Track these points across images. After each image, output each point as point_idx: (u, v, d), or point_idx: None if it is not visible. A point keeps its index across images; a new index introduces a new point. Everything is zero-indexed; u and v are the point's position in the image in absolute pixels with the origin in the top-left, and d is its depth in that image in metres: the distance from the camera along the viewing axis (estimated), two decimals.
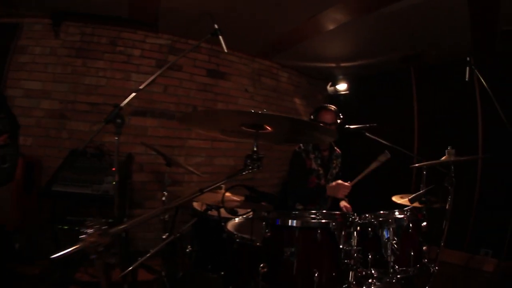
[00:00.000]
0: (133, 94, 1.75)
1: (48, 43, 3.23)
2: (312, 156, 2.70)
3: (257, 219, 1.70)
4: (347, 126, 2.61)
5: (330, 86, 4.73)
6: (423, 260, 1.91)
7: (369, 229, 1.84)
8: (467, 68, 2.51)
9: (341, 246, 1.54)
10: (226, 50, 1.96)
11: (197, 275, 2.40)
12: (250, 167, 1.32)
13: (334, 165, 2.79)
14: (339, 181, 2.43)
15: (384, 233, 1.82)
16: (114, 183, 2.55)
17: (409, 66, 4.42)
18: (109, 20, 3.29)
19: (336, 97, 5.00)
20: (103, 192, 2.52)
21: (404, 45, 3.80)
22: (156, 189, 3.57)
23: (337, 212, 1.63)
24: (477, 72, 2.52)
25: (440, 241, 2.29)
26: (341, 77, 4.72)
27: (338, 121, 2.63)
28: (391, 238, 1.79)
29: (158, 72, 1.85)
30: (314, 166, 2.69)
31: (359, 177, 2.36)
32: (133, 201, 3.46)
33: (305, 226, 1.54)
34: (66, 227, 2.55)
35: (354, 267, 1.54)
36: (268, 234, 1.56)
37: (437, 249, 2.27)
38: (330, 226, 1.52)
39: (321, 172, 2.70)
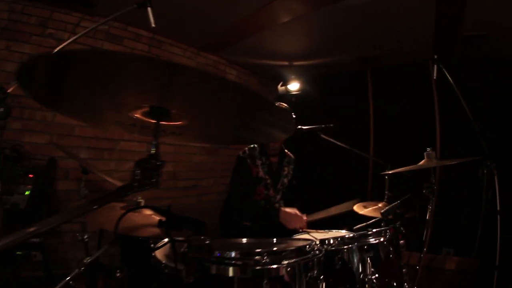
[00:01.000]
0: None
1: None
2: (258, 162, 2.58)
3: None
4: (300, 126, 2.44)
5: (281, 85, 4.78)
6: (404, 285, 1.70)
7: (336, 257, 1.55)
8: (435, 66, 2.57)
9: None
10: (153, 25, 1.91)
11: None
12: (139, 183, 0.89)
13: (285, 172, 2.69)
14: (297, 211, 2.31)
15: (358, 264, 1.54)
16: (27, 193, 2.33)
17: (366, 68, 4.66)
18: None
19: (288, 98, 5.08)
20: (11, 205, 2.25)
21: (362, 45, 3.96)
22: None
23: (293, 247, 1.33)
24: (445, 71, 2.60)
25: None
26: (293, 77, 4.80)
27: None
28: (368, 271, 1.53)
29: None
30: (261, 174, 2.57)
31: (320, 215, 2.33)
32: (56, 213, 3.19)
33: (245, 277, 1.22)
34: None
35: None
36: (191, 280, 1.21)
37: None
38: (284, 272, 1.23)
39: (269, 181, 2.59)
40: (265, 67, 4.82)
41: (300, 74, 4.81)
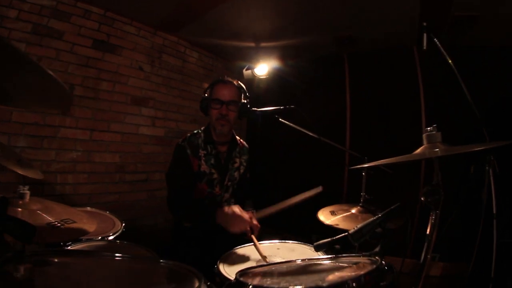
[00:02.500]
0: None
1: None
2: (202, 153, 2.39)
3: None
4: (254, 108, 2.38)
5: (247, 69, 4.91)
6: None
7: None
8: (424, 34, 2.61)
9: None
10: None
11: None
12: None
13: (236, 165, 2.53)
14: (236, 210, 2.06)
15: None
16: None
17: (343, 52, 4.80)
18: None
19: (254, 83, 5.24)
20: None
21: (339, 25, 4.00)
22: None
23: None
24: (436, 41, 2.56)
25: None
26: (261, 60, 4.93)
27: (244, 100, 2.43)
28: None
29: None
30: (204, 168, 2.37)
31: (271, 210, 2.16)
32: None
33: None
34: None
35: None
36: None
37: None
38: None
39: (215, 176, 2.40)
40: (230, 49, 4.94)
41: (269, 57, 4.93)
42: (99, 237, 2.20)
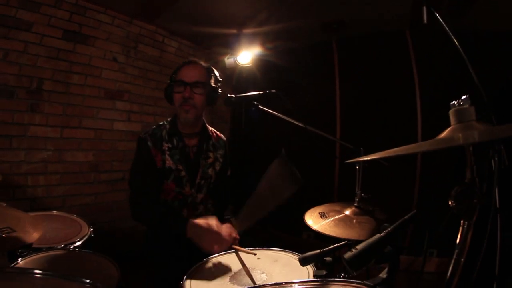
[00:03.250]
0: None
1: None
2: (166, 146, 2.21)
3: None
4: (229, 95, 2.19)
5: (228, 58, 4.92)
6: None
7: None
8: (424, 8, 2.38)
9: None
10: None
11: None
12: None
13: (210, 160, 2.34)
14: (213, 224, 1.92)
15: None
16: None
17: (331, 37, 4.80)
18: None
19: (237, 72, 5.26)
20: None
21: (325, 9, 3.99)
22: None
23: None
24: (437, 15, 2.34)
25: None
26: (244, 48, 4.93)
27: (212, 82, 2.28)
28: None
29: None
30: (169, 163, 2.19)
31: (252, 218, 2.00)
32: None
33: None
34: None
35: None
36: None
37: None
38: None
39: (183, 173, 2.22)
40: (211, 38, 4.96)
41: (253, 45, 4.94)
42: (61, 245, 2.11)
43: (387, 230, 1.09)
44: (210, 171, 2.31)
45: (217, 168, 2.36)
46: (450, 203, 1.12)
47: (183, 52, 5.03)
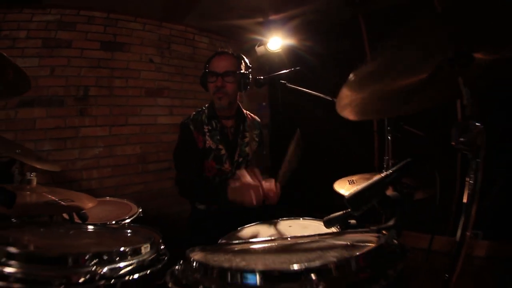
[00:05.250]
0: None
1: None
2: (206, 128, 2.40)
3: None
4: (258, 77, 2.42)
5: (259, 45, 5.11)
6: None
7: None
8: None
9: None
10: None
11: None
12: None
13: (246, 139, 2.51)
14: (245, 176, 2.00)
15: None
16: None
17: (357, 12, 4.74)
18: None
19: (269, 59, 5.46)
20: None
21: None
22: None
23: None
24: None
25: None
26: (274, 34, 5.04)
27: (243, 71, 2.42)
28: None
29: None
30: (210, 143, 2.37)
31: (282, 171, 2.08)
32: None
33: None
34: None
35: None
36: None
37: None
38: None
39: (223, 152, 2.40)
40: (240, 29, 5.14)
41: (281, 31, 5.03)
42: (113, 222, 2.50)
43: (387, 173, 1.13)
44: (247, 149, 2.49)
45: (253, 147, 2.53)
46: (453, 144, 1.13)
47: (215, 46, 5.32)
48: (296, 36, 5.23)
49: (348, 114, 1.45)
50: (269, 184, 2.05)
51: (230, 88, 2.34)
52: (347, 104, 1.40)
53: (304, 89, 2.34)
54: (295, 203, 2.38)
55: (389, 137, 2.24)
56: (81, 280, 1.04)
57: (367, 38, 4.78)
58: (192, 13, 4.61)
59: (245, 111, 2.60)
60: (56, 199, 1.99)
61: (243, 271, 0.95)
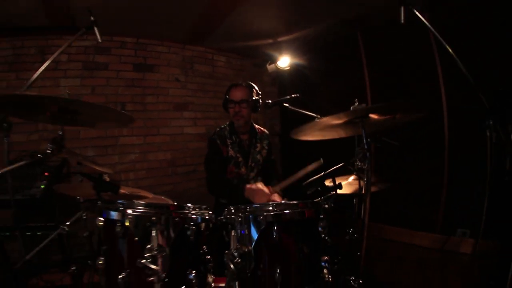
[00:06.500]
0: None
1: None
2: (228, 141, 3.09)
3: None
4: (267, 101, 2.94)
5: (270, 64, 5.75)
6: (322, 276, 1.68)
7: (224, 232, 1.83)
8: (402, 8, 2.57)
9: (147, 246, 1.59)
10: (100, 40, 2.90)
11: None
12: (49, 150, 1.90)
13: (258, 148, 3.20)
14: (259, 185, 2.75)
15: (232, 238, 1.68)
16: (42, 186, 3.61)
17: (356, 30, 5.15)
18: (35, 30, 4.30)
19: (279, 75, 6.08)
20: (30, 196, 3.49)
21: (342, 6, 4.30)
22: None
23: (171, 204, 1.97)
24: (416, 12, 2.54)
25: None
26: (283, 53, 5.70)
27: (255, 98, 3.06)
28: (233, 246, 1.64)
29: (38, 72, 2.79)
30: (231, 153, 3.09)
31: (283, 184, 2.77)
32: (71, 203, 4.56)
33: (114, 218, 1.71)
34: (7, 234, 3.48)
35: (158, 277, 1.55)
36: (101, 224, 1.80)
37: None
38: (125, 219, 1.66)
39: (240, 159, 3.11)
40: (253, 48, 5.76)
41: (289, 49, 5.66)
42: None
43: (326, 172, 2.20)
44: (258, 156, 3.19)
45: (264, 154, 3.23)
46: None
47: (231, 63, 6.02)
48: (300, 55, 5.83)
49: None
50: (275, 194, 2.73)
51: (245, 112, 3.04)
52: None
53: (299, 110, 2.80)
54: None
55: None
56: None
57: (364, 52, 5.17)
58: (210, 37, 5.25)
59: (256, 126, 3.28)
60: (127, 192, 2.65)
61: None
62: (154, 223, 1.63)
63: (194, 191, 5.37)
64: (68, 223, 2.90)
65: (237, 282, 1.60)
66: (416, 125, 3.68)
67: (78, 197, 3.05)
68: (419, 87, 4.50)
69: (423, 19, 2.52)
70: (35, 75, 2.66)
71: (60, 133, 2.00)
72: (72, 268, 3.01)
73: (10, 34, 4.31)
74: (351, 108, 1.93)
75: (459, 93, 2.51)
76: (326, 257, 1.70)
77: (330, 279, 1.66)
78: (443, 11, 3.99)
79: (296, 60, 5.83)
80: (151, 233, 1.60)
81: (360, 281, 1.89)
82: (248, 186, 2.78)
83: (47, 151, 1.89)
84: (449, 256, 3.93)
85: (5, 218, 3.43)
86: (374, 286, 3.40)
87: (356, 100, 1.99)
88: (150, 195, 2.80)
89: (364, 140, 1.92)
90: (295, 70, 5.96)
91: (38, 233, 3.58)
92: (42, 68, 2.71)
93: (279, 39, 5.42)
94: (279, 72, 5.92)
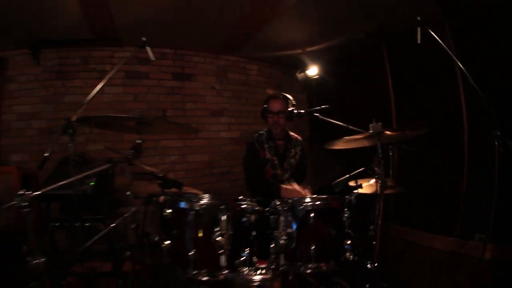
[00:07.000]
0: (83, 107, 2.86)
1: (31, 71, 4.83)
2: (266, 146, 3.42)
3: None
4: (299, 111, 2.91)
5: (299, 73, 6.06)
6: (346, 256, 2.19)
7: (271, 217, 2.35)
8: (418, 29, 2.75)
9: (215, 229, 2.06)
10: (153, 58, 3.27)
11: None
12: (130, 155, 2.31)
13: (292, 153, 3.50)
14: (295, 186, 3.06)
15: (280, 222, 2.24)
16: (92, 183, 3.97)
17: (379, 41, 5.31)
18: (79, 42, 4.83)
19: (308, 83, 6.38)
20: (81, 192, 3.82)
21: (366, 19, 4.52)
22: None
23: (230, 198, 2.24)
24: (431, 32, 2.79)
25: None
26: (311, 62, 6.02)
27: (290, 108, 3.01)
28: (281, 228, 2.21)
29: (100, 84, 3.14)
30: (268, 156, 3.41)
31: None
32: (118, 200, 4.99)
33: (185, 208, 2.18)
34: (57, 224, 3.96)
35: (225, 250, 2.03)
36: (170, 213, 2.24)
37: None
38: (198, 208, 2.12)
39: (276, 162, 3.42)
40: (283, 57, 6.07)
41: (316, 58, 5.97)
42: None
43: (350, 174, 2.60)
44: (292, 160, 3.50)
45: (297, 158, 3.53)
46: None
47: (263, 72, 6.35)
48: (327, 64, 6.13)
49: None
50: (308, 192, 3.06)
51: (282, 121, 3.36)
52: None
53: (328, 119, 2.87)
54: None
55: (390, 153, 2.98)
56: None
57: (389, 63, 5.33)
58: (243, 48, 5.60)
59: (291, 133, 3.59)
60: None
61: None
62: (222, 211, 2.11)
63: (228, 190, 5.70)
64: (126, 215, 3.19)
65: (282, 255, 2.16)
66: (435, 134, 3.86)
67: (128, 193, 3.36)
68: (440, 93, 4.60)
69: (439, 40, 2.82)
70: (95, 91, 3.09)
71: (138, 141, 2.40)
72: (117, 257, 3.55)
73: (56, 46, 4.85)
74: (370, 126, 2.37)
75: (478, 102, 2.68)
76: (349, 241, 2.21)
77: (351, 258, 2.19)
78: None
79: (323, 69, 6.10)
80: (220, 218, 2.09)
81: (375, 265, 2.36)
82: (284, 186, 3.13)
83: (128, 156, 2.33)
84: (466, 260, 3.95)
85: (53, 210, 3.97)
86: (394, 283, 3.55)
87: (373, 120, 2.39)
88: (200, 192, 3.12)
89: (379, 150, 2.38)
90: (322, 78, 6.22)
91: (86, 224, 3.96)
92: (102, 83, 3.14)
93: (308, 49, 5.70)
94: (307, 80, 6.19)
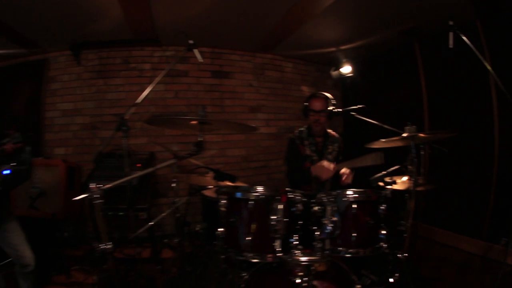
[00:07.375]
0: (133, 107, 3.06)
1: (73, 70, 5.23)
2: (306, 142, 3.55)
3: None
4: (337, 110, 3.16)
5: (334, 70, 6.11)
6: (380, 244, 2.42)
7: (317, 208, 2.45)
8: (450, 33, 2.87)
9: (271, 217, 2.25)
10: (201, 60, 3.52)
11: (205, 249, 3.79)
12: (193, 152, 2.39)
13: (329, 150, 3.59)
14: (324, 162, 3.16)
15: (326, 212, 2.40)
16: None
17: (412, 39, 5.34)
18: (119, 43, 5.15)
19: (342, 80, 6.46)
20: (127, 183, 3.90)
21: (400, 18, 4.57)
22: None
23: (281, 189, 2.35)
24: (464, 38, 2.92)
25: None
26: (345, 60, 6.02)
27: (330, 108, 3.25)
28: (328, 217, 2.38)
29: (149, 88, 3.39)
30: (308, 152, 3.53)
31: (346, 164, 3.13)
32: (158, 191, 5.28)
33: (242, 198, 2.34)
34: (110, 213, 4.21)
35: (279, 236, 2.24)
36: (225, 203, 2.43)
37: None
38: (258, 199, 2.28)
39: (315, 158, 3.51)
40: (317, 55, 6.20)
41: (351, 56, 5.99)
42: None
43: (386, 171, 2.68)
44: (330, 156, 3.56)
45: (334, 155, 3.61)
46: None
47: (298, 69, 6.49)
48: (360, 62, 6.19)
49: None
50: (344, 169, 3.21)
51: (323, 120, 3.48)
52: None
53: (364, 118, 3.06)
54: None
55: (422, 152, 2.94)
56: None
57: (421, 61, 5.33)
58: (279, 46, 5.76)
59: (329, 130, 3.69)
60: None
61: None
62: (278, 200, 2.29)
63: (264, 183, 5.79)
64: (182, 202, 3.65)
65: (328, 240, 2.36)
66: (466, 135, 4.02)
67: (173, 185, 3.66)
68: (472, 94, 4.58)
69: (470, 44, 2.91)
70: (146, 92, 3.37)
71: (200, 139, 2.54)
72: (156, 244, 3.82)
73: (96, 47, 5.19)
74: (405, 129, 2.59)
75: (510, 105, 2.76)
76: (384, 231, 2.44)
77: (385, 246, 2.42)
78: None
79: (357, 67, 6.12)
80: (276, 207, 2.27)
81: (405, 255, 2.63)
82: (313, 166, 3.24)
83: (192, 152, 2.42)
84: (490, 264, 4.03)
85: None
86: (417, 280, 3.62)
87: (409, 123, 2.58)
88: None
89: (413, 150, 2.58)
90: (356, 76, 6.25)
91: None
92: (154, 83, 3.44)
93: (341, 48, 5.78)
94: (341, 77, 6.25)
